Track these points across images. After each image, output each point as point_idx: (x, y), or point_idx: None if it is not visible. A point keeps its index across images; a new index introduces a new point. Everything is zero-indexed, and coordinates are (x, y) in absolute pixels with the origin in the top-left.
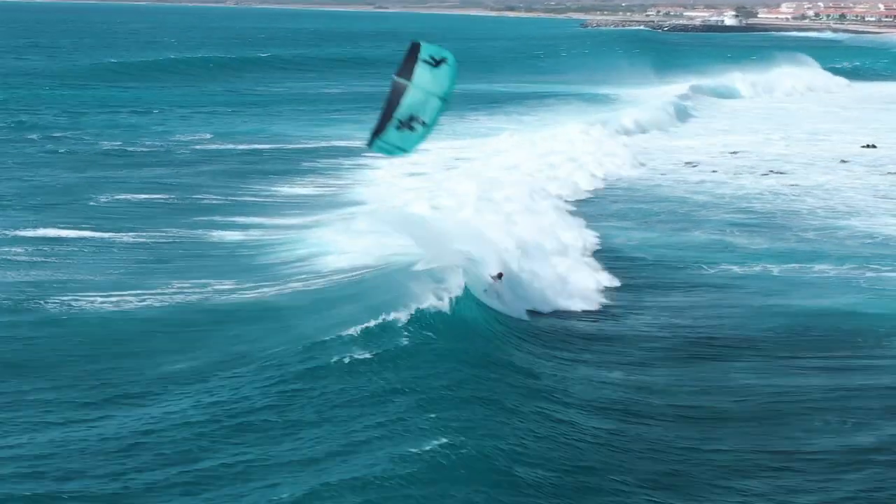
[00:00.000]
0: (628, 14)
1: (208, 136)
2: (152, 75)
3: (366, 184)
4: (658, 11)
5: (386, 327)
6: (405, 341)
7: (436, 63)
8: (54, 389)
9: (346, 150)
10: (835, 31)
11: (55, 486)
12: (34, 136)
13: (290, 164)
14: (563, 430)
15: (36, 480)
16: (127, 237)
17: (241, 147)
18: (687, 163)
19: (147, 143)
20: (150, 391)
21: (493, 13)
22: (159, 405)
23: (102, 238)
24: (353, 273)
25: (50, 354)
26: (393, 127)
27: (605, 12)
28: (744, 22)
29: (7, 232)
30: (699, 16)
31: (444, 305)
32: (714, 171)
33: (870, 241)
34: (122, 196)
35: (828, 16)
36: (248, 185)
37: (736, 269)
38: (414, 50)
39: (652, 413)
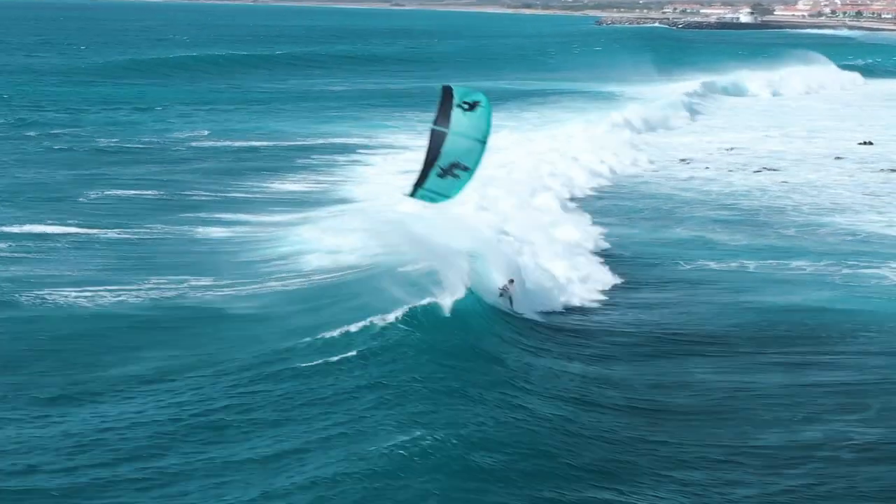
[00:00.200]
0: (644, 11)
1: (205, 132)
2: (159, 72)
3: (358, 181)
4: (675, 9)
5: (359, 329)
6: (375, 342)
7: (470, 107)
8: (15, 385)
9: (341, 146)
10: (851, 28)
11: (3, 482)
12: (32, 133)
13: (284, 160)
14: (520, 416)
15: None
16: (111, 233)
17: (236, 144)
18: (681, 160)
19: (143, 140)
20: (113, 388)
21: (510, 10)
22: (120, 403)
23: (86, 234)
24: (335, 273)
25: (15, 349)
26: (435, 175)
27: (622, 9)
28: (759, 19)
29: None
30: (715, 13)
31: (419, 307)
32: (707, 168)
33: (851, 238)
34: (112, 192)
35: (844, 13)
36: (238, 181)
37: (713, 264)
38: (447, 95)
39: (606, 404)
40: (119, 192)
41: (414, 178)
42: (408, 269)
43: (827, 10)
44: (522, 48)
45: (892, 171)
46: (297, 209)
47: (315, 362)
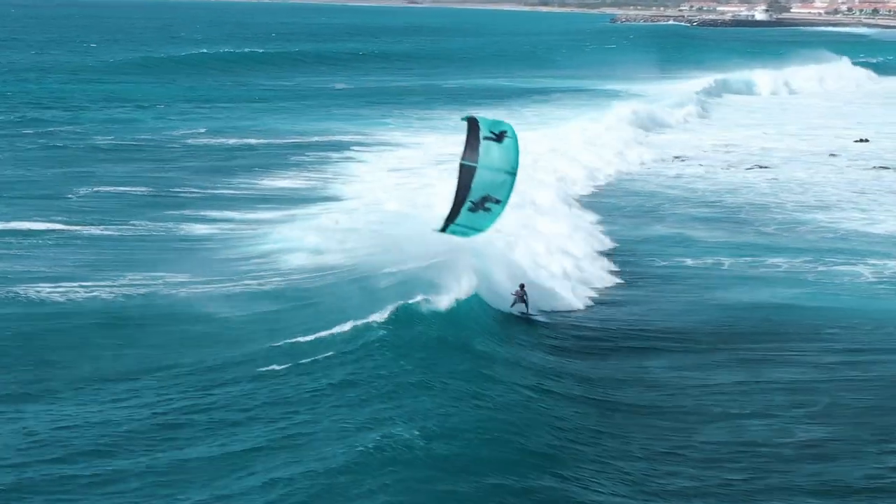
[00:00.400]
0: (661, 9)
1: (202, 130)
2: (167, 70)
3: (349, 178)
4: (691, 6)
5: (328, 329)
6: (343, 342)
7: (497, 137)
8: None
9: (337, 144)
10: (867, 25)
11: None
12: (29, 131)
13: (277, 158)
14: (480, 405)
15: None
16: (93, 230)
17: (231, 141)
18: (675, 157)
19: (139, 137)
20: (73, 386)
21: (527, 8)
22: (78, 400)
23: (69, 231)
24: (313, 273)
25: None
26: (467, 210)
27: (639, 7)
28: (774, 17)
29: None
30: (731, 10)
31: (391, 308)
32: (700, 166)
33: (831, 235)
34: (101, 189)
35: (860, 10)
36: (229, 178)
37: (688, 261)
38: (473, 127)
39: (561, 393)
40: (108, 188)
41: (445, 213)
42: (391, 269)
43: (843, 7)
44: (532, 46)
45: (883, 168)
46: (284, 207)
47: (279, 364)
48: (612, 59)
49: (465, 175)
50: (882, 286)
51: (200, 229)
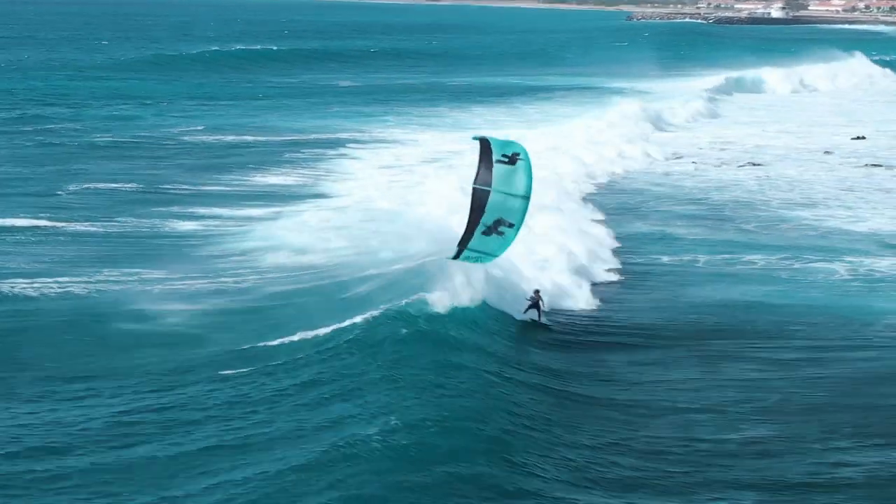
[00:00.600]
0: (678, 6)
1: (200, 127)
2: (175, 67)
3: (341, 175)
4: (709, 3)
5: (295, 331)
6: (308, 344)
7: (510, 160)
8: None
9: (333, 141)
10: (885, 23)
11: None
12: (28, 128)
13: (272, 155)
14: (441, 395)
15: None
16: (78, 226)
17: (228, 138)
18: (671, 155)
19: (137, 134)
20: (36, 382)
21: (545, 6)
22: (40, 398)
23: (54, 227)
24: (291, 273)
25: None
26: (480, 233)
27: (656, 4)
28: (790, 14)
29: None
30: (748, 7)
31: (364, 311)
32: (693, 163)
33: (812, 233)
34: (92, 186)
35: (878, 8)
36: (220, 175)
37: (664, 259)
38: (486, 150)
39: (522, 384)
40: (99, 185)
41: (458, 238)
42: (372, 272)
43: (861, 4)
44: (544, 43)
45: (876, 166)
46: (272, 204)
47: (243, 364)
48: (622, 57)
49: (478, 199)
50: (855, 283)
51: (185, 226)
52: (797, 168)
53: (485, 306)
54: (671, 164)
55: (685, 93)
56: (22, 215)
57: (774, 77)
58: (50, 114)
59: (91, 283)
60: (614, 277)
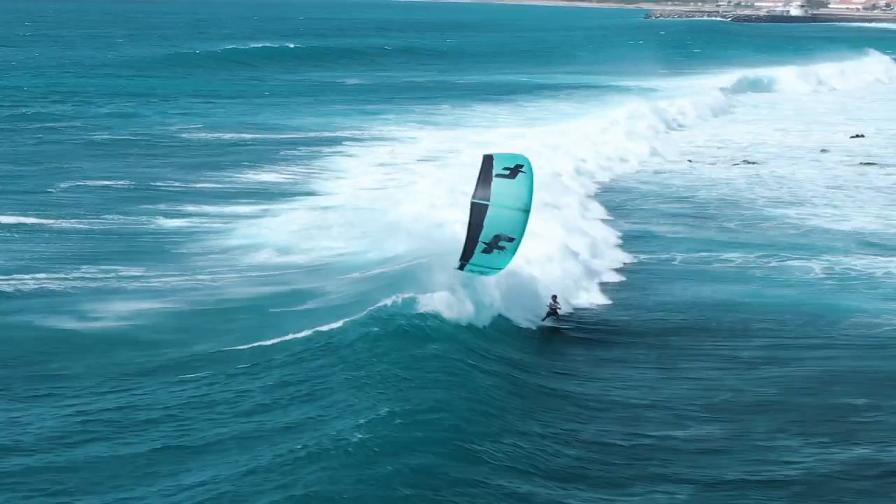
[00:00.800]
0: (698, 4)
1: (199, 125)
2: (188, 65)
3: (333, 173)
4: (728, 1)
5: (264, 336)
6: (273, 346)
7: (511, 172)
8: None
9: (331, 139)
10: None
11: None
12: (28, 126)
13: (268, 152)
14: (410, 388)
15: None
16: (65, 223)
17: (226, 136)
18: (668, 154)
19: (136, 132)
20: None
21: (565, 3)
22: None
23: (40, 224)
24: (271, 272)
25: None
26: (480, 251)
27: (676, 2)
28: (809, 12)
29: None
30: (767, 5)
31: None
32: (689, 161)
33: (793, 231)
34: (83, 183)
35: None
36: (213, 173)
37: (642, 257)
38: (487, 164)
39: (485, 376)
40: (90, 183)
41: (460, 251)
42: (353, 275)
43: (882, 2)
44: (559, 42)
45: (870, 164)
46: (261, 201)
47: (211, 366)
48: (634, 55)
49: (477, 214)
50: (829, 282)
51: (170, 223)
52: (791, 166)
53: (463, 304)
54: (665, 162)
55: (691, 91)
56: (9, 213)
57: (787, 75)
58: (52, 111)
59: (67, 279)
60: (588, 275)
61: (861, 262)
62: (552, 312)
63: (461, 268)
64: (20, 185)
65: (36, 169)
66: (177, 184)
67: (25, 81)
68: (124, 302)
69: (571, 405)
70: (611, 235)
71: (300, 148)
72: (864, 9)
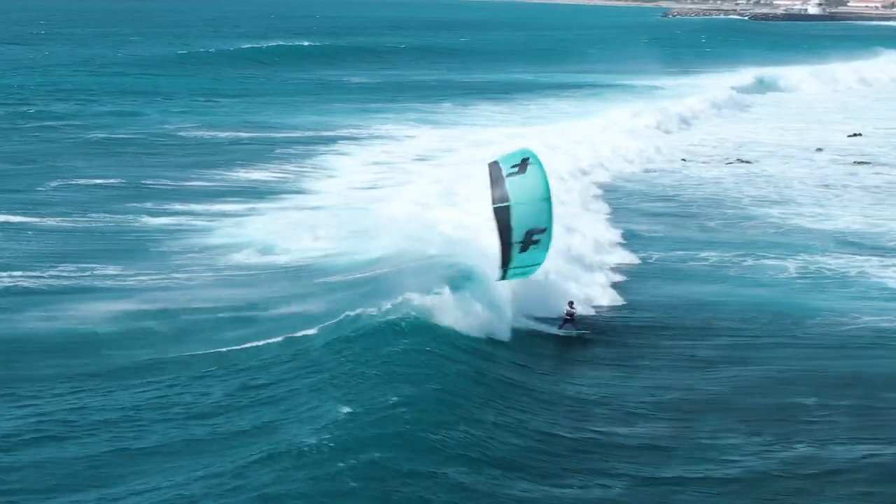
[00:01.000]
0: (717, 2)
1: (197, 124)
2: (198, 63)
3: (325, 172)
4: (747, 0)
5: (233, 339)
6: (244, 348)
7: (520, 167)
8: None
9: (328, 137)
10: None
11: None
12: (27, 125)
13: (263, 151)
14: (378, 384)
15: None
16: (51, 222)
17: (222, 135)
18: (663, 153)
19: (134, 130)
20: None
21: (585, 2)
22: None
23: (26, 223)
24: (251, 271)
25: None
26: (517, 252)
27: (695, 0)
28: (827, 11)
29: None
30: (785, 4)
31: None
32: (683, 160)
33: (773, 230)
34: (73, 182)
35: None
36: (205, 171)
37: (617, 256)
38: (495, 170)
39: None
40: (81, 181)
41: (498, 261)
42: (335, 277)
43: None
44: (573, 40)
45: (863, 163)
46: (250, 200)
47: (179, 369)
48: (646, 54)
49: (502, 216)
50: (802, 281)
51: (155, 222)
52: (783, 165)
53: (436, 304)
54: (658, 161)
55: (696, 90)
56: None
57: (799, 75)
58: (54, 109)
59: (42, 277)
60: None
61: (837, 262)
62: (569, 319)
63: (503, 278)
64: (10, 184)
65: (29, 168)
66: (167, 182)
67: (32, 80)
68: (95, 302)
69: (527, 397)
70: (589, 236)
71: (296, 147)
72: (883, 7)
